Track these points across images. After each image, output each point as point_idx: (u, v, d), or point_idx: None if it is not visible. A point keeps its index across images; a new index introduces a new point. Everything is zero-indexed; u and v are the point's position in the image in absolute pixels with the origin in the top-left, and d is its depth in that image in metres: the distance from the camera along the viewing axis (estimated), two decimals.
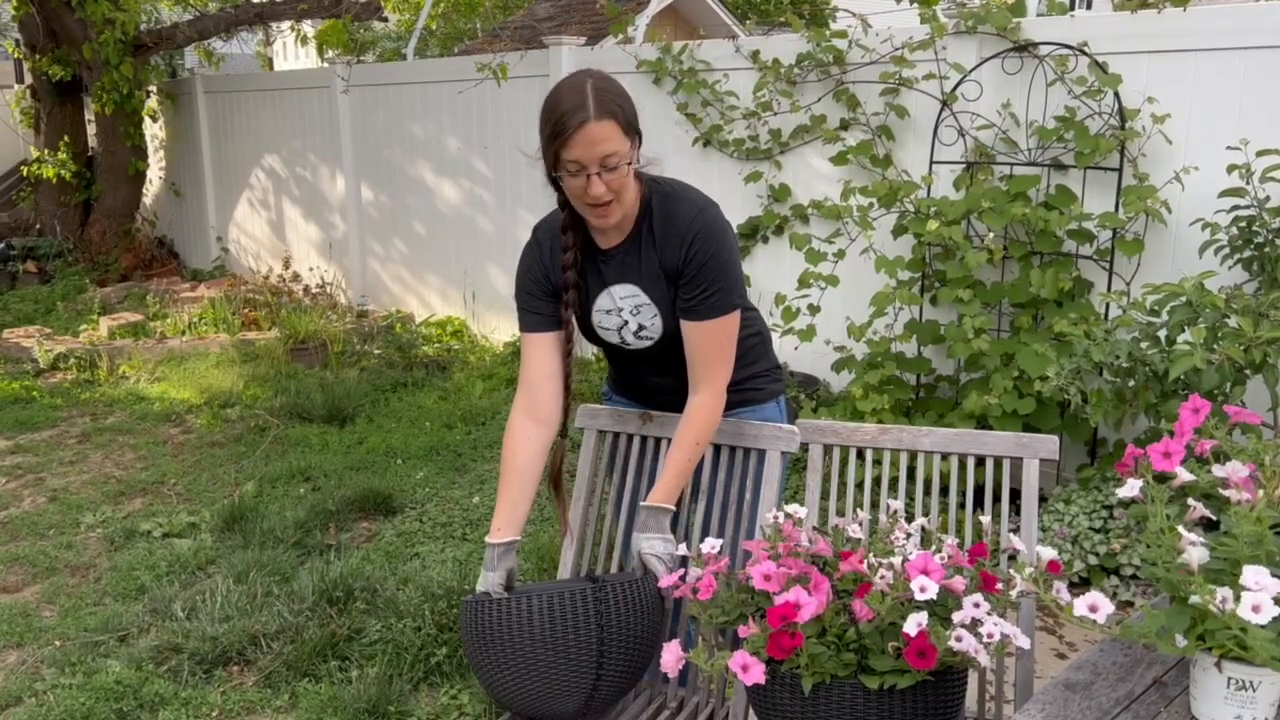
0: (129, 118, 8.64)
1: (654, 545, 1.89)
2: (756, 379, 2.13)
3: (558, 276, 1.98)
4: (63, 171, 8.85)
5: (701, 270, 1.89)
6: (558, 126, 1.77)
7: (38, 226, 9.33)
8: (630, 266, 1.95)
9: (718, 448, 2.06)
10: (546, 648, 1.70)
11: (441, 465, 4.58)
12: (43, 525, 4.05)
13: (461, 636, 1.88)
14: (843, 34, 4.41)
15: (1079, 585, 3.32)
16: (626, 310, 1.99)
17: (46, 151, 8.93)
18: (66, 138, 8.97)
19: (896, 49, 4.21)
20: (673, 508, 1.93)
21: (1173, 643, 1.19)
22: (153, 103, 9.23)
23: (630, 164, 1.82)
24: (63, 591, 3.48)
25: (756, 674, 1.43)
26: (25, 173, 9.26)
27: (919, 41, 4.12)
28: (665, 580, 1.73)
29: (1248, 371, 2.84)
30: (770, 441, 2.01)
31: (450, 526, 3.92)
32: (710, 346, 1.93)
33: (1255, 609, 1.05)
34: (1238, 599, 1.10)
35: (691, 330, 1.93)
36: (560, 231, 1.96)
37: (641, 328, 2.00)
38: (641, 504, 1.96)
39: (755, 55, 4.71)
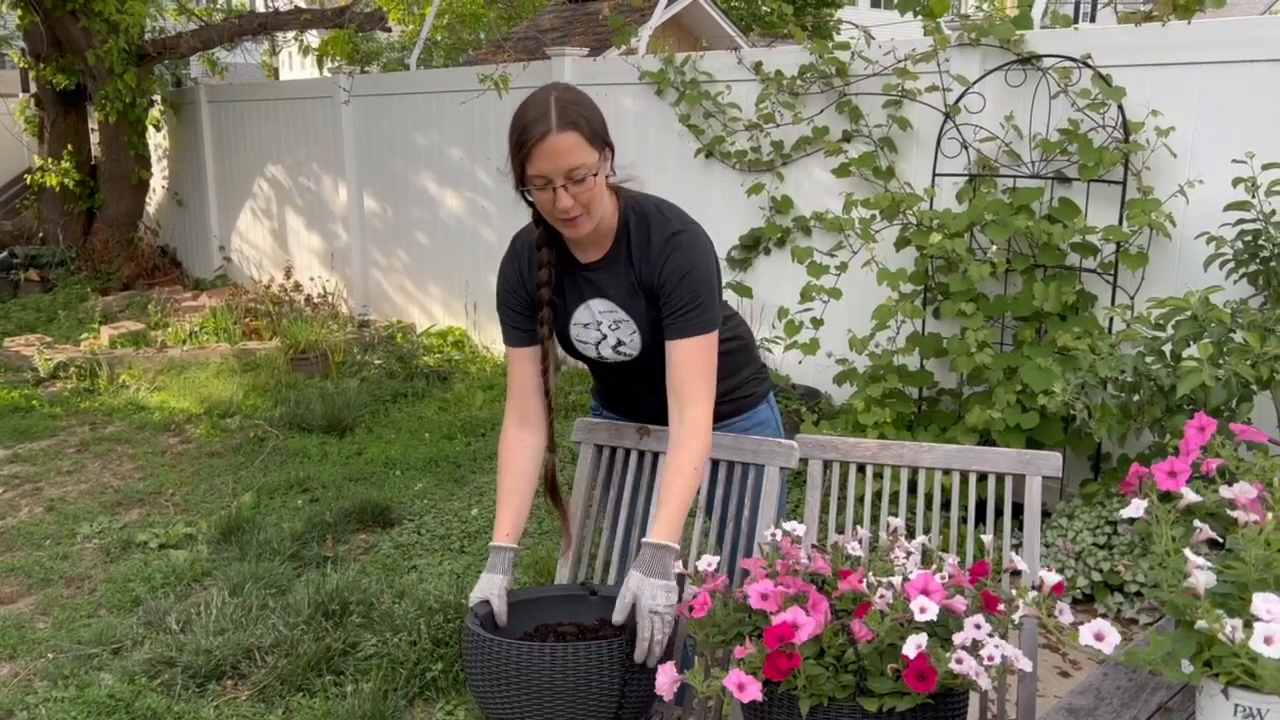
0: (132, 127, 8.65)
1: (656, 597, 1.72)
2: (745, 384, 2.12)
3: (534, 291, 1.96)
4: (66, 180, 8.86)
5: (678, 287, 1.86)
6: (521, 139, 1.75)
7: (41, 235, 9.34)
8: (609, 283, 1.93)
9: (715, 462, 2.03)
10: (566, 700, 1.62)
11: (440, 477, 4.55)
12: (39, 535, 4.03)
13: (464, 666, 1.82)
14: (845, 45, 4.39)
15: (1082, 602, 3.28)
16: (605, 324, 1.97)
17: (50, 160, 8.95)
18: (70, 146, 8.98)
19: (899, 61, 4.19)
20: (677, 547, 1.80)
21: (1178, 669, 1.16)
22: (156, 112, 9.24)
23: (597, 175, 1.78)
24: (58, 603, 3.46)
25: (753, 691, 1.40)
26: (29, 181, 9.28)
27: (922, 53, 4.10)
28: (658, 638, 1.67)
29: (1254, 388, 2.81)
30: (769, 457, 1.98)
31: (448, 539, 3.89)
32: (691, 367, 1.88)
33: (1268, 640, 1.02)
34: (1247, 627, 1.07)
35: (672, 350, 1.89)
36: (535, 247, 1.93)
37: (620, 343, 1.98)
38: (645, 540, 1.82)
39: (758, 67, 4.69)
